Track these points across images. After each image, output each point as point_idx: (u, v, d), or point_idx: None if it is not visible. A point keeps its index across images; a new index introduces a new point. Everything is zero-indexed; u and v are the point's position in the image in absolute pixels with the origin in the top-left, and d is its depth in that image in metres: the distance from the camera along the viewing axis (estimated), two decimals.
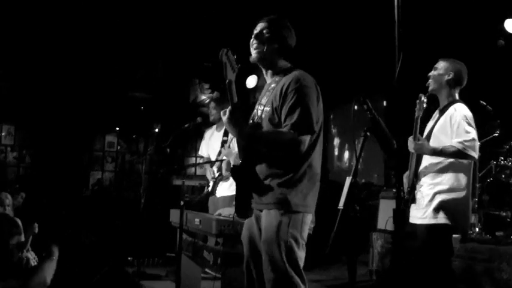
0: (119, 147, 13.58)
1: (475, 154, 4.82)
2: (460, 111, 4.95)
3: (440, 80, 5.13)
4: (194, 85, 12.42)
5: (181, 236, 6.05)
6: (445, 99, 5.10)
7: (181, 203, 5.83)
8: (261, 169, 3.76)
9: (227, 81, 3.63)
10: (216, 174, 7.53)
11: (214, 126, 7.93)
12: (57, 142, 12.27)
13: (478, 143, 4.88)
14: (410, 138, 4.84)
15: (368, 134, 3.33)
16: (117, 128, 13.44)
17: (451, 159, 4.90)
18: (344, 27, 9.05)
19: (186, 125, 7.61)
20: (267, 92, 3.90)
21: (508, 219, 7.44)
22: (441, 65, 5.17)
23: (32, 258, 5.51)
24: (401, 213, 2.82)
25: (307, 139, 3.59)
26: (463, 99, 5.11)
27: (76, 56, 11.14)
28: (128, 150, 13.50)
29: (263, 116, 3.83)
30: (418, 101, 4.94)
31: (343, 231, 3.20)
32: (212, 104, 7.92)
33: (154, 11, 9.65)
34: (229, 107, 3.71)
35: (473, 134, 4.84)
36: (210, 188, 7.51)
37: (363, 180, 10.24)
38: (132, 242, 8.51)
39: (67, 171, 12.21)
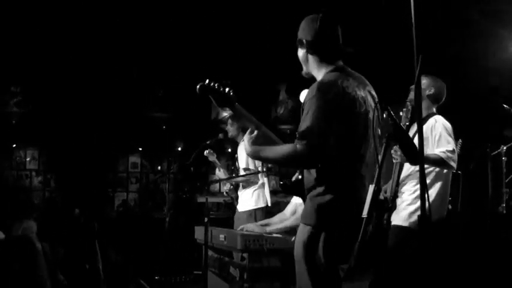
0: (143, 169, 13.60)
1: (455, 165, 4.97)
2: (440, 122, 5.15)
3: (421, 93, 5.25)
4: None
5: (207, 253, 6.03)
6: (424, 111, 5.22)
7: (206, 219, 5.82)
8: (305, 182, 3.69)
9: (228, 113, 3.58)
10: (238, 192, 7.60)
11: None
12: (81, 165, 12.32)
13: (457, 155, 5.03)
14: (396, 147, 4.81)
15: (390, 141, 3.28)
16: (140, 149, 13.47)
17: (431, 168, 5.09)
18: (364, 36, 9.02)
19: (208, 142, 7.67)
20: None
21: None
22: (423, 81, 5.28)
23: (61, 281, 5.53)
24: (426, 219, 2.76)
25: (313, 148, 3.37)
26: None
27: (97, 78, 11.22)
28: (152, 170, 13.51)
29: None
30: (404, 109, 4.94)
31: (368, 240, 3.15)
32: (229, 121, 7.94)
33: (173, 30, 9.71)
34: (249, 129, 3.69)
35: (453, 145, 5.02)
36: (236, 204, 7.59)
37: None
38: (159, 261, 8.50)
39: (92, 194, 12.24)
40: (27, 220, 6.36)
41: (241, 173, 7.51)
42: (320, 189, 3.50)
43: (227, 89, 3.60)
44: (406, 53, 3.30)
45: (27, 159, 12.89)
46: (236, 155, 7.80)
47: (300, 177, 3.77)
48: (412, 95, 5.18)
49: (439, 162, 4.89)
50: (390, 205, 4.80)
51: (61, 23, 9.31)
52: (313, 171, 3.55)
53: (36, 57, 10.29)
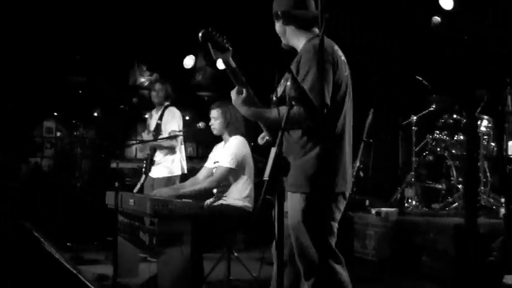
0: (58, 133, 13.33)
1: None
2: None
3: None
4: (133, 68, 12.27)
5: (117, 218, 6.00)
6: None
7: (116, 184, 5.77)
8: (285, 147, 3.65)
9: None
10: (148, 157, 7.58)
11: (154, 110, 7.96)
12: None
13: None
14: None
15: (293, 103, 3.29)
16: (56, 114, 13.18)
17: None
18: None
19: (122, 106, 7.60)
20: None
21: (444, 191, 7.60)
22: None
23: None
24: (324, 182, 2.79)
25: (318, 108, 3.42)
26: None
27: (10, 40, 10.87)
28: (68, 136, 13.25)
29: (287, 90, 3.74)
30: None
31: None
32: (158, 86, 7.91)
33: None
34: (236, 88, 3.68)
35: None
36: (143, 169, 7.56)
37: None
38: (71, 227, 8.39)
39: (5, 160, 11.93)
40: None
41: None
42: (310, 155, 3.60)
43: (225, 40, 3.59)
44: None
45: None
46: (159, 121, 7.74)
47: (267, 138, 3.83)
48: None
49: None
50: None
51: None
52: (300, 135, 3.65)
53: None
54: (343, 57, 3.71)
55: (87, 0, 9.72)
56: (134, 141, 8.17)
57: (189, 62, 11.01)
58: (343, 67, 3.65)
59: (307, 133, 3.60)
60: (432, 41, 8.44)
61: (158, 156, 7.65)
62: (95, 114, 12.71)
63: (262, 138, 3.96)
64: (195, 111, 11.77)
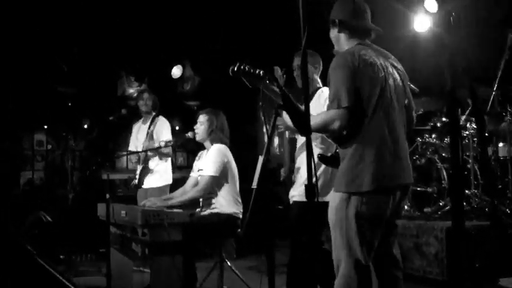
0: (49, 146, 13.32)
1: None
2: (327, 92, 5.19)
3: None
4: (121, 78, 12.27)
5: (109, 230, 5.99)
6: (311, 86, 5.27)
7: (107, 196, 5.77)
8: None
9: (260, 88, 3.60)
10: (141, 167, 7.57)
11: (141, 120, 7.96)
12: None
13: None
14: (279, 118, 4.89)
15: (279, 111, 3.32)
16: (46, 126, 13.17)
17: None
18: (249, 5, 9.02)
19: (111, 118, 7.62)
20: None
21: (435, 195, 7.58)
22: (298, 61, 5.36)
23: None
24: (312, 188, 2.81)
25: (338, 115, 3.52)
26: None
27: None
28: (57, 148, 13.25)
29: None
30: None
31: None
32: (146, 95, 7.92)
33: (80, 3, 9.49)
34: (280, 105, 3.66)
35: None
36: (136, 181, 7.55)
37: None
38: (64, 239, 8.38)
39: (5, 169, 11.92)
40: None
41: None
42: (348, 157, 3.64)
43: (257, 70, 3.63)
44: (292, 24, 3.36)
45: None
46: (149, 130, 7.73)
47: (337, 150, 3.86)
48: (297, 61, 5.26)
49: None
50: (286, 181, 4.87)
51: None
52: (342, 140, 3.70)
53: None
54: (371, 59, 3.69)
55: (74, 12, 9.67)
56: (125, 152, 8.15)
57: (176, 72, 11.08)
58: (369, 69, 3.63)
59: (340, 136, 3.67)
60: (418, 43, 8.46)
61: (151, 166, 7.66)
62: (85, 126, 12.72)
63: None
64: (184, 121, 11.78)
